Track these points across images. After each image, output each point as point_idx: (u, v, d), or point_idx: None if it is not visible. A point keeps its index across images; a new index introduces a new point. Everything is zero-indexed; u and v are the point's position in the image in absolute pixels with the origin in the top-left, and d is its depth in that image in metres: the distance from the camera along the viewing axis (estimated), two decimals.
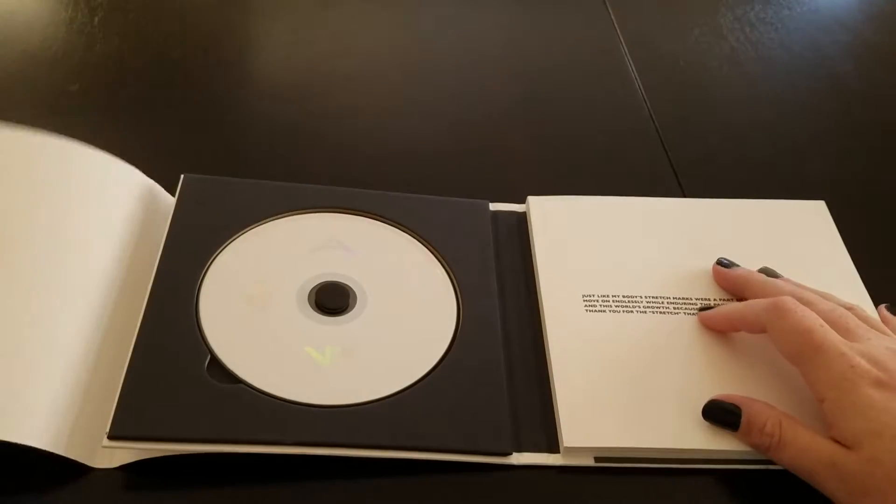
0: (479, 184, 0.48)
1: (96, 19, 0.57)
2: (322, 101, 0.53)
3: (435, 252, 0.41)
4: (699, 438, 0.34)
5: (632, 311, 0.39)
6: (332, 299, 0.38)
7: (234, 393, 0.33)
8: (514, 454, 0.34)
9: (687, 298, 0.40)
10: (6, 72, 0.52)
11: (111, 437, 0.31)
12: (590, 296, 0.40)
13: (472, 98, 0.55)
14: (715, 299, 0.40)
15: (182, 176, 0.41)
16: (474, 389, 0.35)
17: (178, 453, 0.32)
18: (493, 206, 0.45)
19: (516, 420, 0.35)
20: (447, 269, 0.40)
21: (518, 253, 0.43)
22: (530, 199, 0.45)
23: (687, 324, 0.39)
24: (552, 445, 0.35)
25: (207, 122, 0.51)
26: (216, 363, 0.34)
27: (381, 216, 0.42)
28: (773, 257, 0.41)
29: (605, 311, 0.39)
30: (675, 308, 0.40)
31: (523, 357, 0.38)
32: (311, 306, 0.38)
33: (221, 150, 0.49)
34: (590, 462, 0.34)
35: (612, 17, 0.62)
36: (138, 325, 0.35)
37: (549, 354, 0.37)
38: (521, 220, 0.45)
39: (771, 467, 0.34)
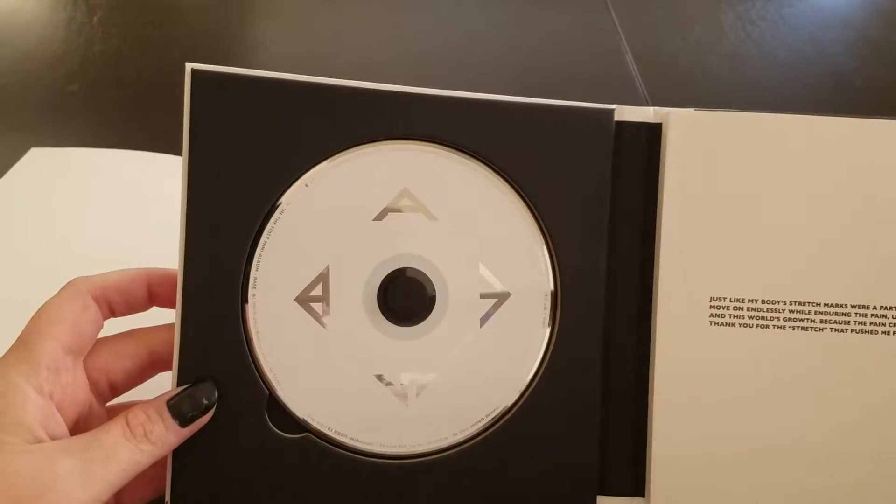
0: None
1: (95, 19, 0.57)
2: None
3: (535, 215, 0.29)
4: None
5: (784, 327, 0.27)
6: (404, 301, 0.28)
7: (300, 446, 0.27)
8: (598, 498, 0.29)
9: (867, 308, 0.27)
10: (6, 71, 0.52)
11: None
12: (720, 299, 0.28)
13: None
14: None
15: (189, 69, 0.28)
16: (562, 430, 0.29)
17: None
18: (626, 113, 0.30)
19: (604, 456, 0.29)
20: (548, 246, 0.29)
21: (640, 201, 0.29)
22: (673, 112, 0.29)
23: (876, 351, 0.27)
24: (639, 488, 0.28)
25: None
26: (275, 403, 0.27)
27: (471, 151, 0.29)
28: None
29: (734, 324, 0.28)
30: (860, 324, 0.27)
31: (622, 368, 0.29)
32: (380, 311, 0.28)
33: None
34: None
35: (614, 15, 0.62)
36: (176, 349, 0.27)
37: (652, 381, 0.28)
38: (654, 140, 0.29)
39: None
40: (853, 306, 0.27)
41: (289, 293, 0.27)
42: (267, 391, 0.27)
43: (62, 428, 0.25)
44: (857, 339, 0.27)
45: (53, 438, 0.24)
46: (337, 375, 0.28)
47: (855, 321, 0.27)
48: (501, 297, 0.29)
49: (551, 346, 0.29)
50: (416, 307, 0.28)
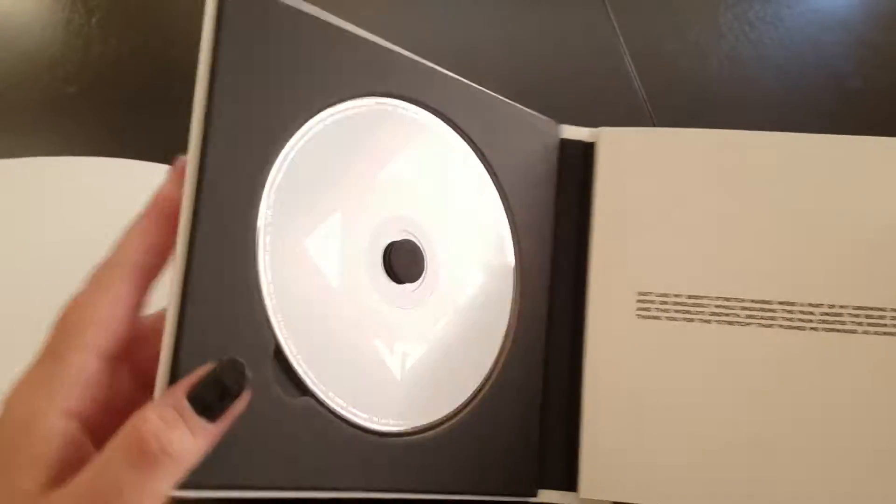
0: None
1: (94, 20, 0.57)
2: None
3: (502, 193, 0.31)
4: None
5: (710, 321, 0.28)
6: (408, 269, 0.27)
7: (302, 413, 0.24)
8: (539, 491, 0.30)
9: (794, 305, 0.28)
10: (3, 73, 0.52)
11: (183, 485, 0.21)
12: (646, 294, 0.29)
13: None
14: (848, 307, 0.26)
15: None
16: (511, 425, 0.29)
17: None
18: (568, 131, 0.35)
19: (543, 452, 0.30)
20: (512, 227, 0.31)
21: (577, 208, 0.32)
22: (603, 130, 0.33)
23: (796, 345, 0.27)
24: (572, 483, 0.29)
25: None
26: (282, 359, 0.24)
27: (450, 119, 0.31)
28: None
29: (660, 317, 0.29)
30: (786, 320, 0.28)
31: (559, 361, 0.30)
32: (384, 273, 0.27)
33: None
34: None
35: (612, 16, 0.62)
36: (177, 298, 0.22)
37: (583, 374, 0.29)
38: (589, 156, 0.33)
39: None
40: (779, 303, 0.28)
41: (300, 238, 0.25)
42: (274, 343, 0.24)
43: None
44: (783, 334, 0.27)
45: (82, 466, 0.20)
46: (339, 333, 0.26)
47: (782, 317, 0.28)
48: (477, 280, 0.30)
49: (510, 338, 0.30)
50: (417, 271, 0.28)
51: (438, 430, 0.28)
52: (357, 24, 0.61)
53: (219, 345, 0.22)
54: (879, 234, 0.27)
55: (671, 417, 0.28)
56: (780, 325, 0.28)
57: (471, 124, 0.31)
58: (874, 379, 0.26)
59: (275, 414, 0.23)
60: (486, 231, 0.31)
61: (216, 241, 0.22)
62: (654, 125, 0.52)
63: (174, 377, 0.21)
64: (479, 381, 0.29)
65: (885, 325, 0.26)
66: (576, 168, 0.33)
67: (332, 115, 0.27)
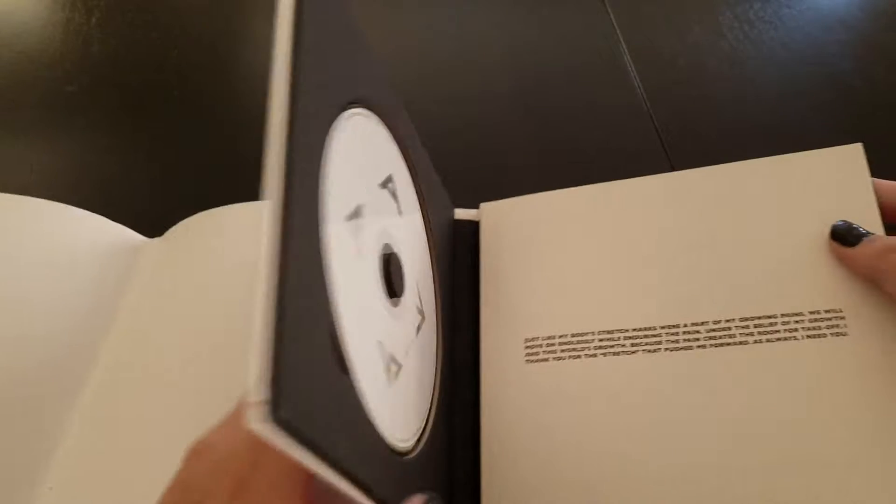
0: (477, 184, 0.47)
1: (93, 20, 0.57)
2: None
3: (431, 242, 0.32)
4: None
5: (595, 354, 0.29)
6: (399, 281, 0.27)
7: (343, 391, 0.22)
8: None
9: (678, 327, 0.28)
10: (3, 72, 0.52)
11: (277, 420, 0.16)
12: (534, 339, 0.30)
13: (470, 98, 0.54)
14: (707, 322, 0.27)
15: None
16: (442, 467, 0.28)
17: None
18: (458, 213, 0.37)
19: (452, 492, 0.29)
20: (436, 290, 0.32)
21: (471, 277, 0.34)
22: (483, 205, 0.35)
23: (685, 365, 0.27)
24: None
25: (206, 122, 0.51)
26: (335, 333, 0.22)
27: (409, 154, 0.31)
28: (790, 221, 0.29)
29: (548, 359, 0.29)
30: (672, 342, 0.28)
31: (463, 415, 0.30)
32: (384, 282, 0.27)
33: (221, 149, 0.49)
34: None
35: (612, 16, 0.62)
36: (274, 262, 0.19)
37: (481, 422, 0.29)
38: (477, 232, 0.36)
39: None
40: (662, 327, 0.28)
41: (339, 216, 0.23)
42: (331, 318, 0.22)
43: None
44: (670, 356, 0.27)
45: None
46: (359, 319, 0.24)
47: (666, 339, 0.28)
48: (423, 316, 0.30)
49: (437, 384, 0.30)
50: (402, 285, 0.28)
51: (415, 451, 0.26)
52: (357, 23, 0.61)
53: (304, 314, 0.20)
54: (754, 248, 0.28)
55: (568, 454, 0.28)
56: (666, 349, 0.27)
57: (422, 171, 0.32)
58: (776, 386, 0.25)
59: (331, 388, 0.21)
60: (423, 264, 0.31)
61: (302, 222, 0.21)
62: (654, 123, 0.52)
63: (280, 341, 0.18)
64: (423, 419, 0.28)
65: (777, 332, 0.26)
66: (468, 243, 0.35)
67: (354, 113, 0.26)
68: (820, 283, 0.27)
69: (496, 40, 0.60)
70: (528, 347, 0.30)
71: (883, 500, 0.23)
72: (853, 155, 0.31)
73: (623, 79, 0.56)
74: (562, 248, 0.32)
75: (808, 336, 0.26)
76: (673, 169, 0.49)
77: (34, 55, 0.53)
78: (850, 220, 0.28)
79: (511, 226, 0.33)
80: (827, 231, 0.27)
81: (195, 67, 0.54)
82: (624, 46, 0.59)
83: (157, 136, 0.49)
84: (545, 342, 0.30)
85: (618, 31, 0.60)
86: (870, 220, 0.28)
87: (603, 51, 0.59)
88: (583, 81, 0.57)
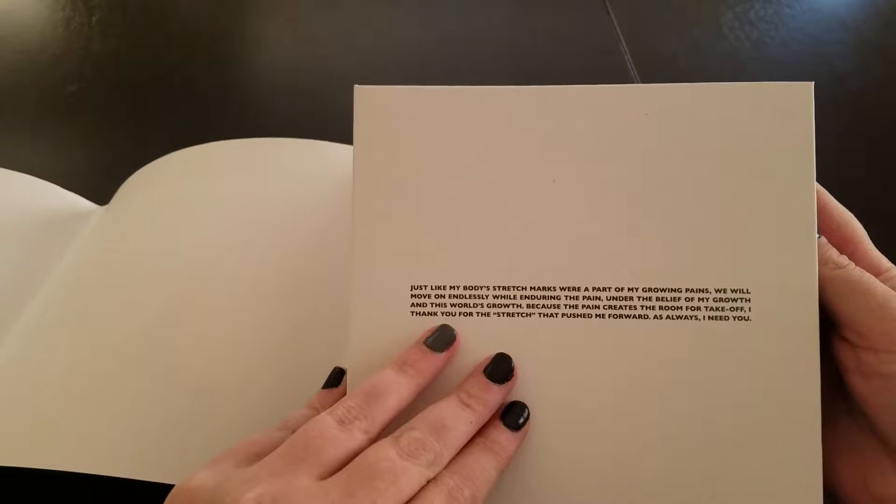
0: None
1: (94, 19, 0.57)
2: (322, 101, 0.52)
3: None
4: None
5: (489, 314, 0.26)
6: None
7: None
8: None
9: (579, 291, 0.25)
10: (4, 71, 0.52)
11: None
12: (421, 288, 0.26)
13: None
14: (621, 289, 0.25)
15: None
16: None
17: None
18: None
19: None
20: None
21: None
22: (358, 88, 0.27)
23: (582, 335, 0.25)
24: None
25: (206, 121, 0.51)
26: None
27: None
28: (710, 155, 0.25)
29: (436, 313, 0.26)
30: (571, 307, 0.25)
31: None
32: None
33: None
34: None
35: (612, 16, 0.62)
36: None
37: (348, 381, 0.26)
38: None
39: None
40: (562, 289, 0.25)
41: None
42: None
43: None
44: (568, 323, 0.25)
45: None
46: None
47: (565, 304, 0.25)
48: None
49: None
50: None
51: None
52: (358, 24, 0.61)
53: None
54: (671, 195, 0.25)
55: None
56: (564, 314, 0.25)
57: None
58: (668, 373, 0.24)
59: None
60: None
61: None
62: None
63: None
64: None
65: (679, 308, 0.25)
66: None
67: None
68: (734, 251, 0.25)
69: (496, 40, 0.60)
70: (414, 297, 0.26)
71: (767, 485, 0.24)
72: (801, 93, 0.26)
73: (623, 79, 0.56)
74: (457, 166, 0.26)
75: (710, 318, 0.24)
76: None
77: (35, 54, 0.53)
78: (782, 163, 0.25)
79: (396, 128, 0.26)
80: (756, 180, 0.25)
81: (195, 67, 0.54)
82: (624, 46, 0.59)
83: (157, 136, 0.49)
84: (434, 293, 0.26)
85: (618, 32, 0.60)
86: (803, 167, 0.26)
87: (603, 51, 0.59)
88: (583, 81, 0.56)
